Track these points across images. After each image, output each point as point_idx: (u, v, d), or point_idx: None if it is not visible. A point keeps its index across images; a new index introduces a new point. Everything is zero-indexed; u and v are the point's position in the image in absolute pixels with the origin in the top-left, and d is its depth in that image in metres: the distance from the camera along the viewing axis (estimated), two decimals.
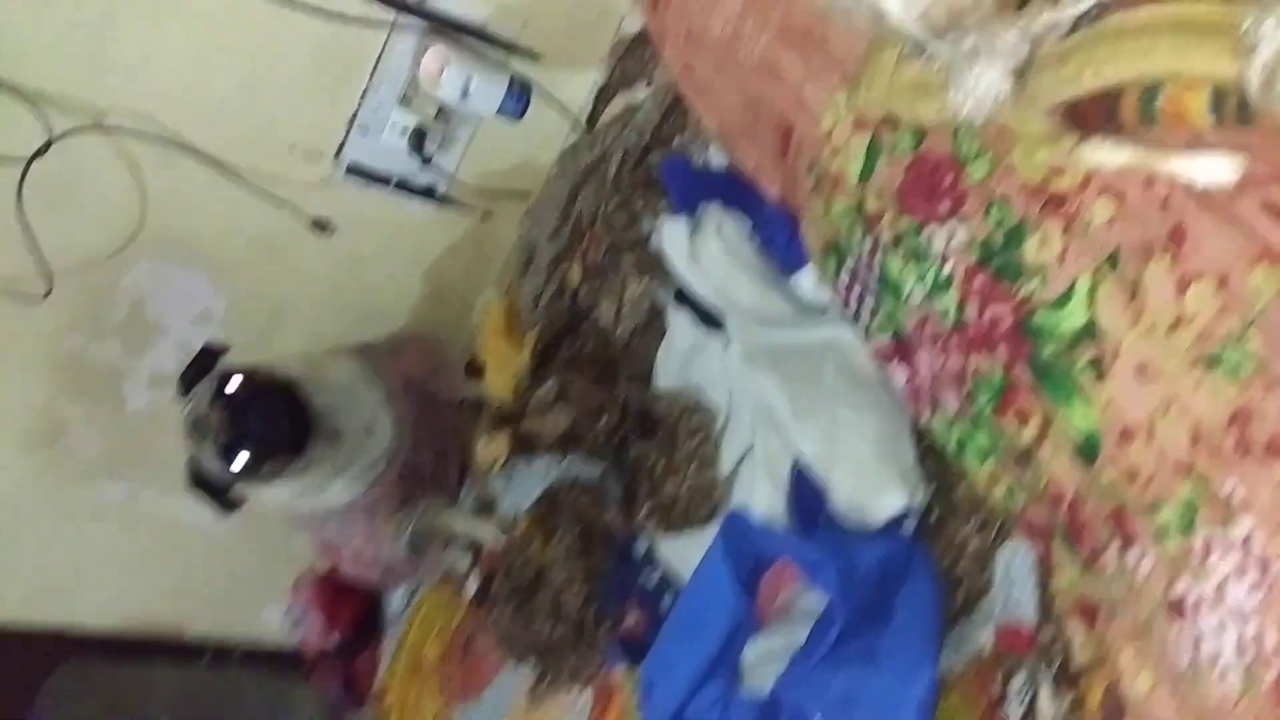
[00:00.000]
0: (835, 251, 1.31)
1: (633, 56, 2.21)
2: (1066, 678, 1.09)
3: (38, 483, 2.49)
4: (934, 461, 1.35)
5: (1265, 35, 0.74)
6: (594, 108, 2.31)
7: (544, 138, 2.35)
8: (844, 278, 1.33)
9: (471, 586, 2.35)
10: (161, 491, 2.60)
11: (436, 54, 2.10)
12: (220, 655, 3.06)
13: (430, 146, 2.30)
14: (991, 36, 0.89)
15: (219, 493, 2.01)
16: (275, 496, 2.15)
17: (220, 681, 2.98)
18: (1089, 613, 1.03)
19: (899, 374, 1.29)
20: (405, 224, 2.48)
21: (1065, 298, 0.95)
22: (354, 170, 2.33)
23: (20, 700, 2.64)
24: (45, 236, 2.15)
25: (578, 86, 2.35)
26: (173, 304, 2.43)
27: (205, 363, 2.04)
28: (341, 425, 2.12)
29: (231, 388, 1.95)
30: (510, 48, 2.22)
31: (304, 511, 2.27)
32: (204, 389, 1.98)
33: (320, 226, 2.34)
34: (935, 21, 0.82)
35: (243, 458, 1.93)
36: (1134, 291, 0.89)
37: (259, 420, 1.95)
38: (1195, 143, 0.86)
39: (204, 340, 2.17)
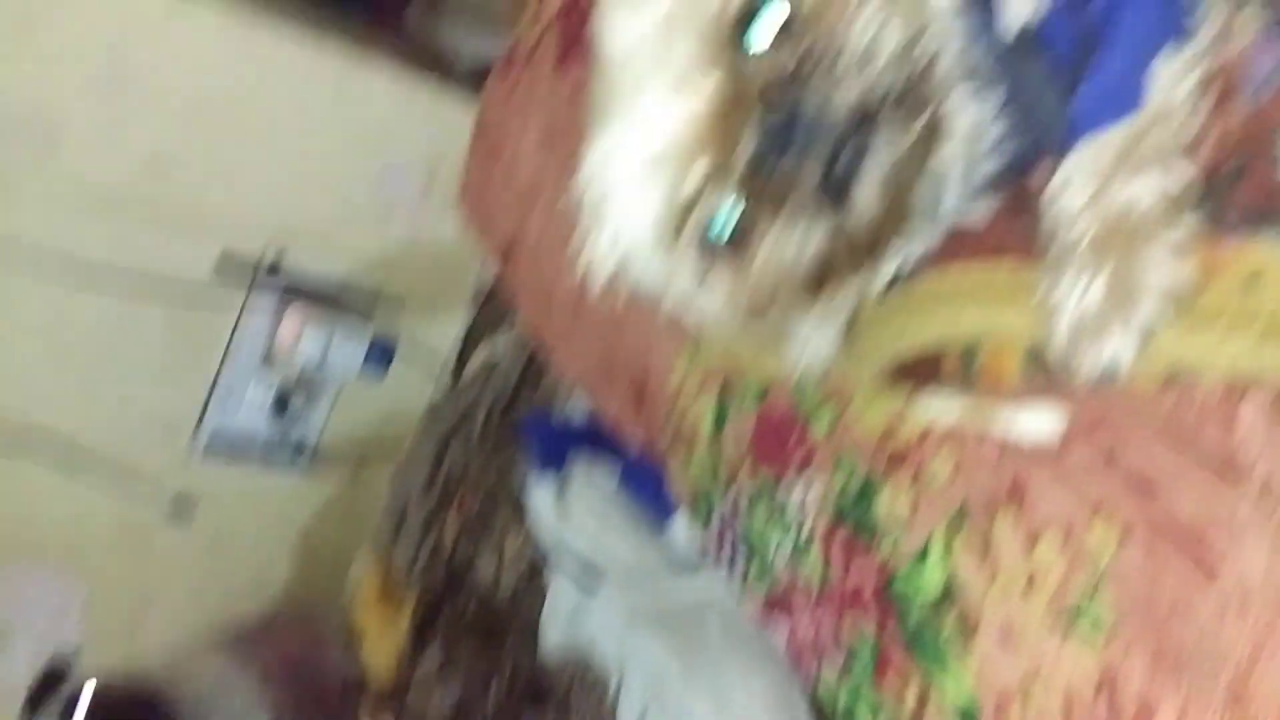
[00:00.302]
0: (701, 503, 1.28)
1: (493, 304, 2.23)
2: None
3: None
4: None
5: (1061, 299, 0.75)
6: (459, 356, 2.31)
7: (411, 391, 2.32)
8: (713, 530, 1.29)
9: None
10: None
11: (294, 319, 2.08)
12: None
13: (294, 410, 2.25)
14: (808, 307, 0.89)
15: None
16: None
17: None
18: None
19: (780, 631, 1.24)
20: (273, 492, 2.39)
21: (922, 555, 0.92)
22: (215, 442, 2.26)
23: None
24: None
25: (441, 336, 2.35)
26: (24, 605, 2.26)
27: (51, 681, 1.89)
28: None
29: (81, 710, 1.79)
30: (370, 304, 2.22)
31: None
32: (51, 712, 1.82)
33: (182, 505, 2.23)
34: (749, 304, 0.82)
35: None
36: (986, 548, 0.87)
37: None
38: (1019, 397, 0.86)
39: (61, 639, 2.01)
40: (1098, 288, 0.73)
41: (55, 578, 2.26)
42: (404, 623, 1.98)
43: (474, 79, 2.07)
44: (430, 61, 2.31)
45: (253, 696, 2.03)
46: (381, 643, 2.04)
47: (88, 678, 1.87)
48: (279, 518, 2.43)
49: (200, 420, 2.24)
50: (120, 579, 2.31)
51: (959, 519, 0.90)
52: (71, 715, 1.76)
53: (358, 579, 2.18)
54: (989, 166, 0.78)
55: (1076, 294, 0.74)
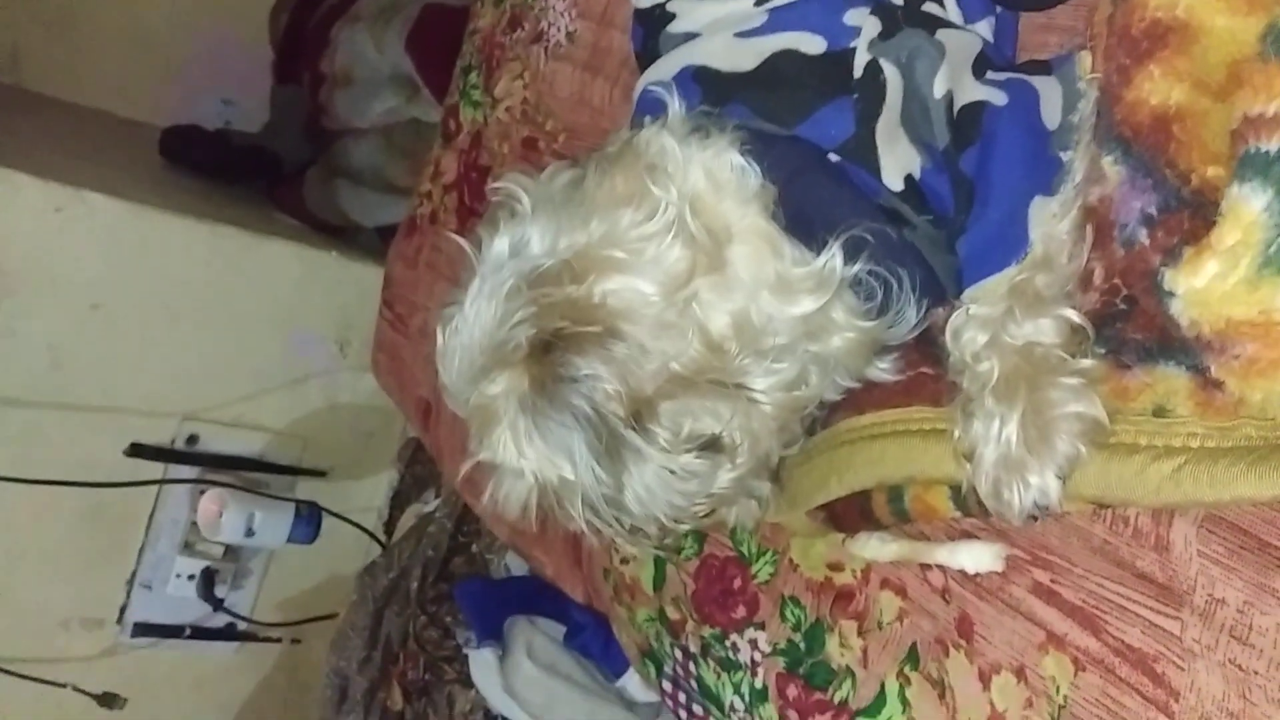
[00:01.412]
0: (651, 658, 1.26)
1: (421, 460, 2.20)
2: None
3: None
4: None
5: (978, 443, 0.76)
6: (390, 514, 2.27)
7: (343, 553, 2.27)
8: (666, 684, 1.26)
9: None
10: None
11: (213, 497, 2.03)
12: None
13: (222, 587, 2.17)
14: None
15: None
16: None
17: None
18: None
19: None
20: (207, 671, 2.29)
21: (879, 703, 0.92)
22: (142, 629, 2.16)
23: None
24: None
25: (370, 495, 2.31)
26: None
27: None
28: None
29: None
30: (293, 472, 2.18)
31: None
32: None
33: (110, 701, 2.12)
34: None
35: None
36: (941, 690, 0.87)
37: None
38: (955, 530, 0.87)
39: None
40: (1011, 428, 0.74)
41: None
42: None
43: (378, 244, 2.08)
44: (331, 231, 2.33)
45: None
46: None
47: None
48: (216, 696, 2.32)
49: (124, 609, 2.15)
50: None
51: (911, 660, 0.90)
52: None
53: None
54: (894, 332, 0.80)
55: (992, 436, 0.75)
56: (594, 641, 1.44)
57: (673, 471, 0.76)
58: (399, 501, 2.25)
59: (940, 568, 0.89)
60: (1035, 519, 0.76)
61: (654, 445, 0.76)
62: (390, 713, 1.92)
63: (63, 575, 2.08)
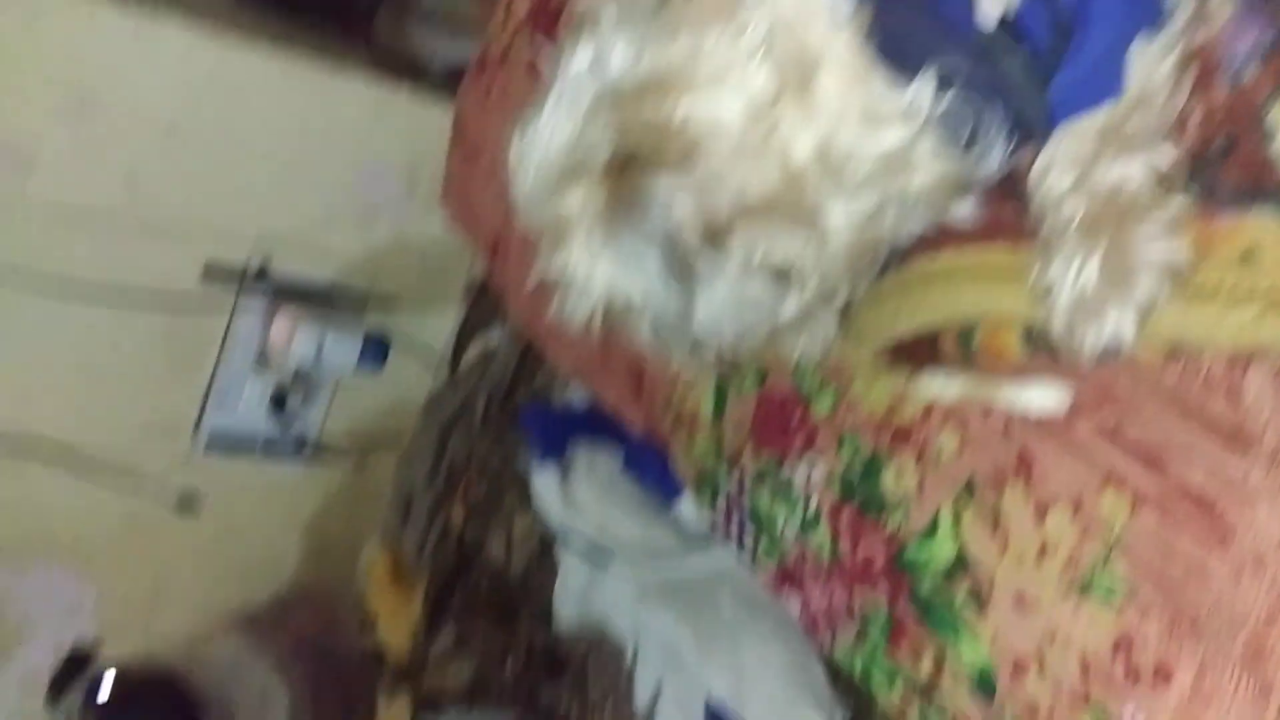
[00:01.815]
0: (706, 485, 1.31)
1: (486, 298, 2.23)
2: None
3: None
4: (848, 680, 1.33)
5: (1056, 282, 0.77)
6: (456, 347, 2.31)
7: (409, 383, 2.33)
8: (720, 511, 1.31)
9: None
10: None
11: (285, 320, 2.09)
12: None
13: (292, 407, 2.26)
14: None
15: None
16: None
17: None
18: None
19: (793, 603, 1.27)
20: (277, 485, 2.40)
21: (931, 530, 0.95)
22: (216, 441, 2.26)
23: None
24: None
25: (437, 329, 2.35)
26: (37, 602, 2.28)
27: (74, 668, 1.91)
28: (232, 703, 2.00)
29: (104, 694, 1.82)
30: (362, 301, 2.22)
31: None
32: (75, 698, 1.84)
33: (187, 502, 2.25)
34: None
35: None
36: (996, 520, 0.90)
37: None
38: (1021, 372, 0.89)
39: (77, 634, 2.04)
40: (1092, 267, 0.74)
41: (68, 576, 2.28)
42: (417, 603, 2.01)
43: (448, 82, 2.06)
44: (403, 67, 2.31)
45: (271, 676, 2.06)
46: (396, 624, 2.07)
47: (106, 668, 1.89)
48: (285, 508, 2.45)
49: (199, 421, 2.25)
50: (131, 574, 2.33)
51: (967, 493, 0.93)
52: (94, 700, 1.78)
53: (368, 563, 2.20)
54: (978, 171, 0.79)
55: (1071, 274, 0.75)
56: (650, 468, 1.49)
57: (742, 297, 0.77)
58: (464, 335, 2.29)
59: (1003, 406, 0.90)
60: (1107, 360, 0.77)
61: (726, 270, 0.77)
62: (451, 530, 2.02)
63: (141, 389, 2.17)
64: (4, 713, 2.33)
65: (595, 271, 0.79)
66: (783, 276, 0.80)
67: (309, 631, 2.30)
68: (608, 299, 0.80)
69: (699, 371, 0.85)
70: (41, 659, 2.27)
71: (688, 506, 1.50)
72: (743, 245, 0.78)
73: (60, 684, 1.89)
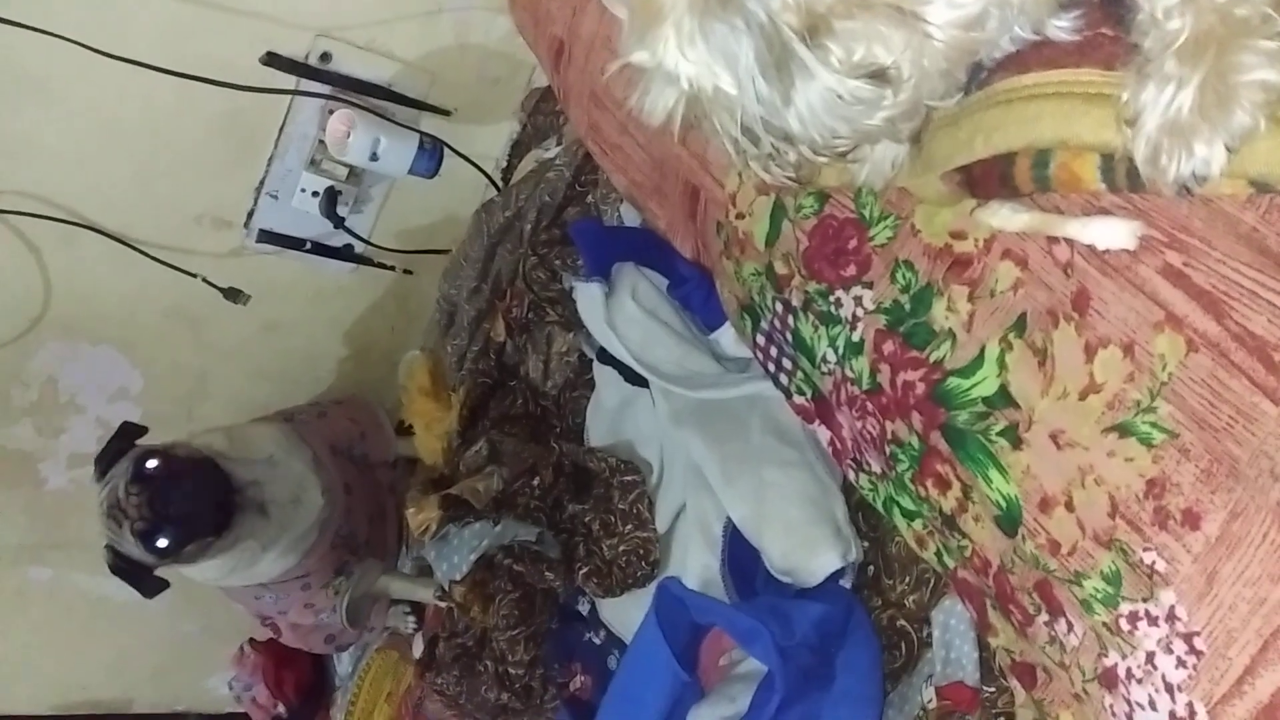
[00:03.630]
0: (749, 312, 1.30)
1: (544, 110, 2.19)
2: None
3: None
4: (868, 515, 1.34)
5: (1146, 106, 0.73)
6: (510, 160, 2.29)
7: (461, 193, 2.32)
8: (760, 338, 1.31)
9: (417, 649, 2.30)
10: (90, 569, 2.55)
11: (342, 117, 2.06)
12: None
13: (343, 208, 2.26)
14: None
15: (142, 575, 1.94)
16: (203, 574, 2.10)
17: None
18: (1027, 675, 1.01)
19: (822, 433, 1.27)
20: (324, 287, 2.43)
21: (975, 364, 0.94)
22: (266, 236, 2.28)
23: None
24: None
25: (492, 140, 2.32)
26: (86, 382, 2.37)
27: (121, 444, 1.98)
28: (268, 497, 2.07)
29: (150, 468, 1.89)
30: (419, 105, 2.19)
31: (236, 586, 2.20)
32: (121, 470, 1.91)
33: (235, 295, 2.28)
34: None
35: (164, 540, 1.87)
36: (1043, 357, 0.88)
37: (179, 501, 1.90)
38: (1092, 207, 0.85)
39: (122, 417, 2.11)
40: (1188, 93, 0.70)
41: (117, 359, 2.35)
42: (453, 413, 2.05)
43: None
44: None
45: (306, 472, 2.12)
46: (431, 431, 2.12)
47: (152, 447, 1.96)
48: (330, 311, 2.49)
49: (251, 215, 2.26)
50: (177, 364, 2.40)
51: (1017, 328, 0.91)
52: (140, 473, 1.85)
53: (408, 371, 2.24)
54: None
55: (1165, 98, 0.71)
56: (695, 294, 1.48)
57: (839, 95, 0.74)
58: (518, 150, 2.26)
59: (1068, 242, 0.87)
60: (1188, 192, 0.74)
61: (824, 64, 0.74)
62: (493, 343, 2.04)
63: (197, 174, 2.18)
64: (59, 481, 2.44)
65: (684, 59, 0.76)
66: (879, 77, 0.77)
67: (344, 434, 2.35)
68: (694, 90, 0.77)
69: (772, 178, 0.82)
70: (88, 438, 2.37)
71: (727, 336, 1.49)
72: (843, 41, 0.74)
73: (108, 457, 1.96)
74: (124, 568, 1.91)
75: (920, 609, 1.22)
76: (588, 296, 1.55)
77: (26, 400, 2.33)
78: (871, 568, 1.31)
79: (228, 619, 2.70)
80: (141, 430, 1.99)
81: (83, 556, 2.51)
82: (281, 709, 2.67)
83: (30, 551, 2.51)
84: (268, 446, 2.14)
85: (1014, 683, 1.08)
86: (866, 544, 1.32)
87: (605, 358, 1.74)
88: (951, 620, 1.16)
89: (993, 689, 1.11)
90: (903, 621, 1.24)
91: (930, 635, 1.20)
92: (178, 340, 2.38)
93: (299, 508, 2.13)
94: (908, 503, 1.12)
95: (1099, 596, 0.82)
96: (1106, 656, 0.83)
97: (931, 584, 1.21)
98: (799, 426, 1.40)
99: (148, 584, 1.94)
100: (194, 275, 2.22)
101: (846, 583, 1.32)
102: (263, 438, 2.16)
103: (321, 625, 2.34)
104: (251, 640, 2.67)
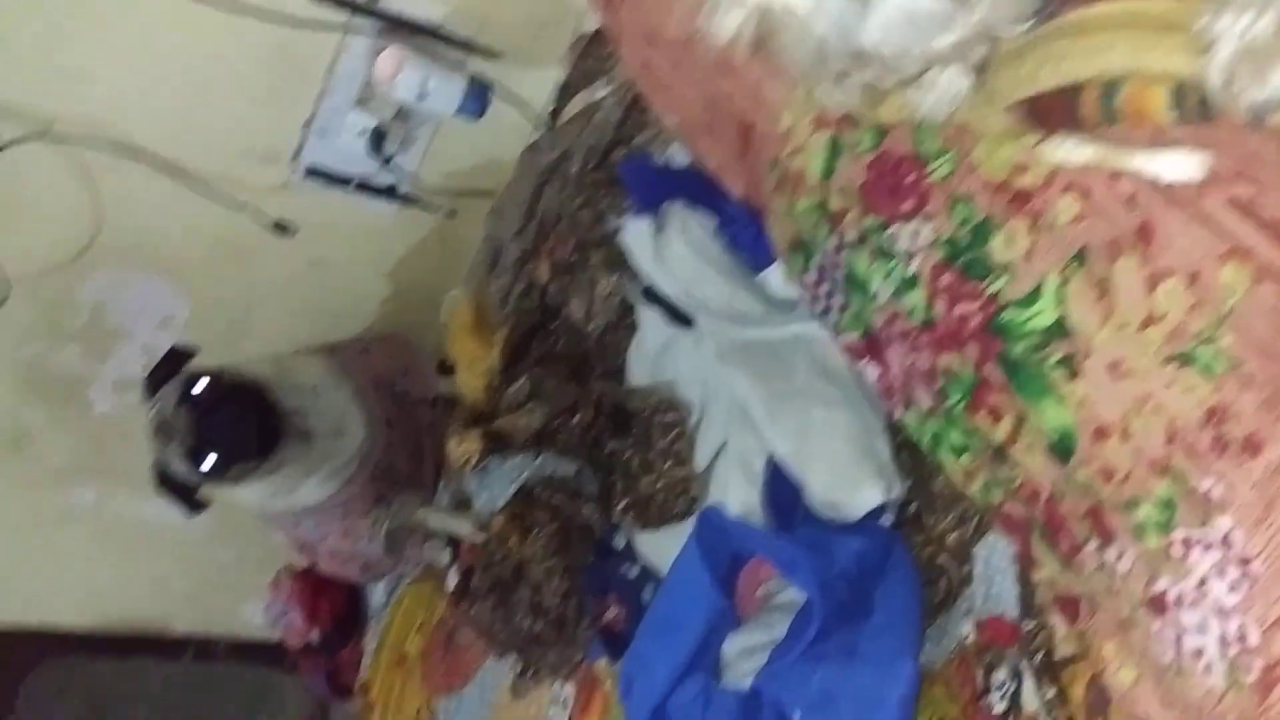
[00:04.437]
0: (801, 249, 1.31)
1: (593, 54, 2.19)
2: (1050, 670, 1.09)
3: (6, 489, 2.47)
4: (911, 455, 1.35)
5: (1223, 33, 0.73)
6: (557, 104, 2.29)
7: (506, 135, 2.33)
8: (811, 275, 1.32)
9: (452, 580, 2.34)
10: (132, 493, 2.61)
11: (392, 55, 2.07)
12: (204, 650, 3.07)
13: (390, 147, 2.27)
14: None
15: (186, 494, 1.99)
16: (245, 497, 2.14)
17: (205, 676, 2.98)
18: (1070, 607, 1.03)
19: (870, 371, 1.28)
20: (368, 225, 2.45)
21: (1033, 295, 0.94)
22: (313, 172, 2.30)
23: (2, 699, 2.62)
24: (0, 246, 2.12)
25: (539, 84, 2.33)
26: (134, 309, 2.41)
27: (173, 364, 2.01)
28: (311, 426, 2.10)
29: (199, 390, 1.92)
30: (468, 47, 2.19)
31: (277, 511, 2.25)
32: (170, 390, 1.95)
33: (282, 229, 2.31)
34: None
35: (210, 460, 1.91)
36: (1103, 289, 0.89)
37: (227, 422, 1.94)
38: (1159, 139, 0.85)
39: (168, 345, 2.15)
40: (1270, 17, 0.70)
41: (165, 288, 2.38)
42: (496, 351, 2.07)
43: None
44: None
45: (349, 404, 2.16)
46: (473, 369, 2.15)
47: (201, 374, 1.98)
48: (374, 249, 2.51)
49: (299, 151, 2.28)
50: (223, 295, 2.44)
51: (1077, 260, 0.91)
52: (189, 394, 1.89)
53: (452, 309, 2.26)
54: None
55: (1243, 24, 0.71)
56: (744, 234, 1.49)
57: (914, 12, 0.75)
58: (566, 94, 2.26)
59: (1133, 175, 0.88)
60: (1262, 120, 0.74)
61: None
62: (536, 284, 2.06)
63: (247, 107, 2.20)
64: (104, 405, 2.49)
65: None
66: None
67: (386, 370, 2.38)
68: (765, 7, 0.78)
69: (836, 103, 0.83)
70: (134, 364, 2.42)
71: (775, 276, 1.50)
72: None
73: (158, 376, 1.99)
74: (170, 485, 1.95)
75: (961, 546, 1.24)
76: (636, 233, 1.56)
77: (75, 325, 2.37)
78: (914, 505, 1.33)
79: (264, 550, 2.77)
80: (192, 353, 2.03)
81: (125, 481, 2.58)
82: (315, 635, 2.73)
83: (75, 474, 2.57)
84: (312, 377, 2.18)
85: (1056, 618, 1.10)
86: (909, 482, 1.34)
87: (650, 298, 1.76)
88: (994, 556, 1.18)
89: (1033, 624, 1.12)
90: (943, 558, 1.26)
91: (970, 572, 1.22)
92: (225, 272, 2.41)
93: (341, 438, 2.17)
94: (956, 437, 1.13)
95: (1152, 523, 0.84)
96: (1156, 582, 0.84)
97: (975, 521, 1.22)
98: (845, 368, 1.41)
99: (191, 503, 1.98)
100: (243, 206, 2.24)
101: (887, 521, 1.33)
102: (308, 368, 2.20)
103: (359, 554, 2.38)
104: (289, 568, 2.73)
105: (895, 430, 1.37)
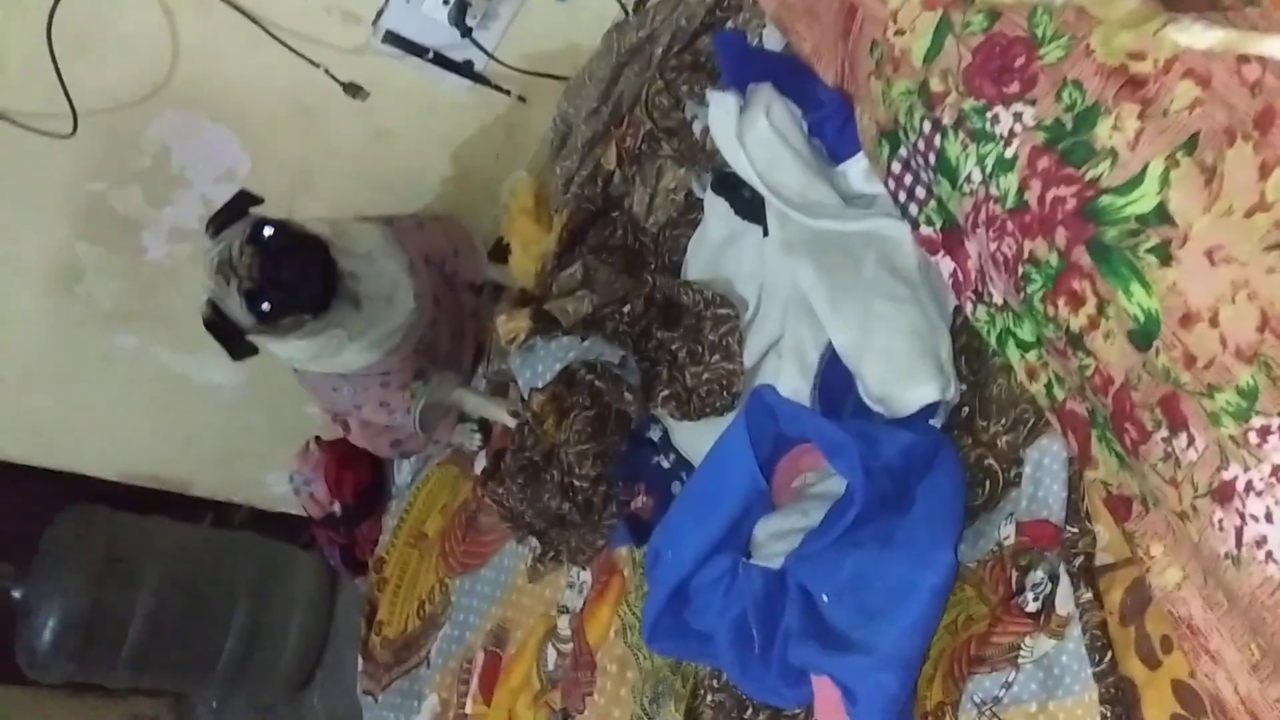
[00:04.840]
0: (890, 138, 1.29)
1: None
2: (1088, 574, 1.09)
3: (52, 325, 2.50)
4: (969, 361, 1.34)
5: None
6: None
7: (590, 21, 2.28)
8: (896, 165, 1.30)
9: (480, 464, 2.36)
10: (174, 346, 2.63)
11: None
12: (223, 515, 3.11)
13: (472, 19, 2.24)
14: None
15: (233, 337, 1.99)
16: (289, 352, 2.15)
17: (220, 540, 3.03)
18: (1121, 507, 1.02)
19: (945, 265, 1.27)
20: (438, 100, 2.43)
21: (1135, 181, 0.93)
22: (391, 38, 2.27)
23: (24, 537, 2.68)
24: (72, 76, 2.11)
25: None
26: (198, 158, 2.40)
27: (239, 206, 2.01)
28: (363, 290, 2.11)
29: (264, 234, 1.93)
30: None
31: (317, 373, 2.27)
32: (235, 232, 1.95)
33: (355, 91, 2.29)
34: None
35: (266, 304, 1.91)
36: (1211, 175, 0.87)
37: (289, 270, 1.93)
38: None
39: (226, 198, 2.14)
40: None
41: (230, 140, 2.38)
42: (553, 235, 2.06)
43: None
44: None
45: (402, 274, 2.16)
46: (527, 252, 2.15)
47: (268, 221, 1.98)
48: (442, 125, 2.49)
49: (380, 14, 2.26)
50: (286, 153, 2.42)
51: (1187, 147, 0.89)
52: (257, 236, 1.89)
53: (512, 190, 2.25)
54: None
55: None
56: (830, 123, 1.47)
57: None
58: None
59: (1260, 60, 0.85)
60: None
61: None
62: (602, 170, 2.04)
63: None
64: (157, 252, 2.50)
65: None
66: None
67: (439, 249, 2.37)
68: None
69: None
70: (191, 214, 2.42)
71: (856, 169, 1.48)
72: None
73: (222, 219, 1.99)
74: (218, 325, 1.96)
75: (1012, 449, 1.23)
76: (721, 106, 1.54)
77: (139, 166, 2.37)
78: (966, 409, 1.32)
79: (296, 420, 2.80)
80: (257, 200, 2.03)
81: (169, 332, 2.60)
82: (337, 507, 2.76)
83: (120, 319, 2.58)
84: (367, 243, 2.18)
85: (1102, 524, 1.10)
86: (964, 387, 1.33)
87: (719, 189, 1.74)
88: (1045, 459, 1.17)
89: (1075, 530, 1.12)
90: (991, 460, 1.25)
91: (1018, 475, 1.21)
92: (291, 130, 2.40)
93: (390, 306, 2.18)
94: (1026, 332, 1.12)
95: (1230, 410, 0.83)
96: (1226, 470, 0.83)
97: (1029, 425, 1.21)
98: (915, 268, 1.40)
99: (238, 345, 1.99)
100: (317, 65, 2.23)
101: (937, 423, 1.33)
102: (364, 234, 2.20)
103: (392, 427, 2.40)
104: (318, 438, 2.76)
105: (956, 337, 1.36)
